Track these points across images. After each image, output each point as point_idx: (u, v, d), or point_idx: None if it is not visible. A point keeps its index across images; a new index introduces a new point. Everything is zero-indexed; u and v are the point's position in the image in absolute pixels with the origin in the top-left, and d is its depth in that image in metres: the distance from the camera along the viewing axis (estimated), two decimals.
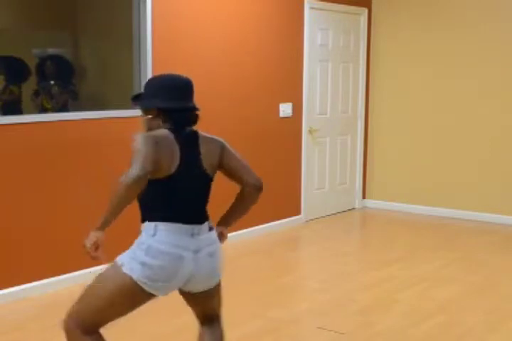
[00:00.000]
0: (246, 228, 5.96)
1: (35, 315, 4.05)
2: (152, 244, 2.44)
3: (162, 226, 2.47)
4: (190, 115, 2.64)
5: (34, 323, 3.91)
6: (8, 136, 4.21)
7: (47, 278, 4.47)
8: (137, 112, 5.08)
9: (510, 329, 3.87)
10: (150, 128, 2.58)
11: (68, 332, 2.52)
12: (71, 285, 4.55)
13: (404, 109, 7.07)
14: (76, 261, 4.61)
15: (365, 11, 7.09)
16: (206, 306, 2.77)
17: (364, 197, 7.44)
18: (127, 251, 2.52)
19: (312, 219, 6.74)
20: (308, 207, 6.68)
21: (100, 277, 2.53)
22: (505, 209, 6.56)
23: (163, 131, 2.52)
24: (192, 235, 2.52)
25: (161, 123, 2.56)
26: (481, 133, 6.62)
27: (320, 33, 6.58)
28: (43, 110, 4.93)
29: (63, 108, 5.06)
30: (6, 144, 4.21)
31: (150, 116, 2.59)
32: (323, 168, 6.83)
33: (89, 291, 2.52)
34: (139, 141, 2.44)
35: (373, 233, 6.47)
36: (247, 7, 5.74)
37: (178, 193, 2.50)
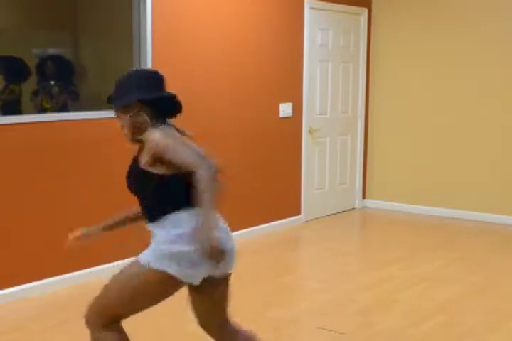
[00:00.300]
0: (246, 228, 5.96)
1: (35, 315, 4.06)
2: (183, 232, 2.41)
3: (194, 211, 2.43)
4: (176, 103, 2.60)
5: (34, 323, 3.91)
6: (8, 136, 4.21)
7: (47, 278, 4.47)
8: None
9: (510, 329, 3.87)
10: (135, 125, 2.51)
11: (90, 325, 2.54)
12: (71, 285, 4.55)
13: (404, 109, 7.07)
14: (76, 261, 4.61)
15: (365, 11, 7.09)
16: (224, 302, 2.68)
17: (364, 197, 7.45)
18: (150, 250, 2.47)
19: (312, 219, 6.74)
20: (308, 207, 6.68)
21: (123, 275, 2.50)
22: (505, 209, 6.56)
23: (166, 127, 2.50)
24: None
25: (146, 117, 2.50)
26: (481, 133, 6.62)
27: (320, 33, 6.58)
28: (42, 110, 4.93)
29: (63, 108, 5.06)
30: (6, 144, 4.21)
31: (131, 114, 2.51)
32: (323, 168, 6.83)
33: (111, 289, 2.49)
34: (164, 138, 2.39)
35: (373, 233, 6.47)
36: (247, 7, 5.74)
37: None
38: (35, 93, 5.03)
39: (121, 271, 2.53)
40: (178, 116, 2.65)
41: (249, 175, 5.95)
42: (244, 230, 5.93)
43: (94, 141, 4.70)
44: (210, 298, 2.65)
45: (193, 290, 2.63)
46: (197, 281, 2.50)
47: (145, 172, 2.47)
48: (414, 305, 4.25)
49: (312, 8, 6.40)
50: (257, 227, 6.09)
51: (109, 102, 2.59)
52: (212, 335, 2.74)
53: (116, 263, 4.75)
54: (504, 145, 6.50)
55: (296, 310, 4.19)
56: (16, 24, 5.03)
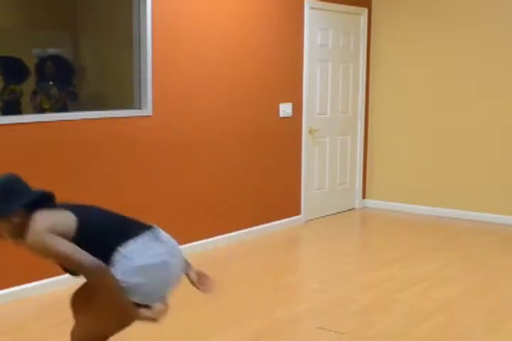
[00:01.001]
0: (246, 228, 5.96)
1: (35, 315, 4.05)
2: (137, 264, 2.50)
3: (131, 246, 2.52)
4: (47, 197, 2.66)
5: (34, 323, 3.91)
6: (8, 136, 4.21)
7: (47, 278, 4.46)
8: (138, 112, 5.09)
9: (510, 329, 3.87)
10: (15, 227, 2.56)
11: None
12: (71, 285, 4.55)
13: (404, 109, 7.07)
14: None
15: (365, 11, 7.09)
16: None
17: (364, 197, 7.44)
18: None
19: (312, 219, 6.74)
20: (308, 207, 6.68)
21: (104, 305, 2.58)
22: (505, 209, 6.56)
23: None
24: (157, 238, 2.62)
25: (21, 217, 2.55)
26: (481, 133, 6.62)
27: (320, 33, 6.58)
28: (41, 110, 4.93)
29: (63, 108, 5.05)
30: (6, 144, 4.21)
31: (8, 220, 2.55)
32: (323, 168, 6.83)
33: (96, 318, 2.61)
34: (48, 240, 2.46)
35: (373, 233, 6.47)
36: (247, 7, 5.74)
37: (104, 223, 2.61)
38: (34, 93, 5.03)
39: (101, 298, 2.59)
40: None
41: (249, 175, 5.95)
42: (244, 230, 5.93)
43: (94, 141, 4.70)
44: None
45: None
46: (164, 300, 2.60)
47: None
48: (414, 305, 4.25)
49: (312, 8, 6.40)
50: (257, 227, 6.09)
51: None
52: None
53: None
54: (504, 145, 6.50)
55: (296, 310, 4.19)
56: (16, 24, 5.03)
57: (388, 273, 4.96)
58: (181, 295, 4.32)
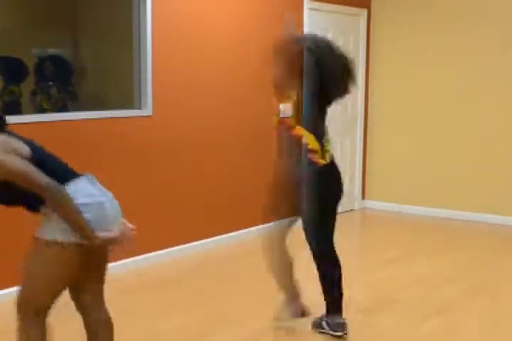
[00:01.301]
0: (246, 228, 5.96)
1: None
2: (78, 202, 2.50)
3: (73, 185, 2.54)
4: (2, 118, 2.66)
5: None
6: None
7: None
8: (138, 112, 5.09)
9: (510, 330, 3.87)
10: None
11: (22, 317, 2.78)
12: None
13: (404, 109, 7.08)
14: None
15: (365, 11, 7.09)
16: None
17: (364, 197, 7.44)
18: (46, 226, 2.54)
19: None
20: None
21: (36, 258, 2.65)
22: (505, 210, 6.56)
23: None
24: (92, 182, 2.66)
25: None
26: (481, 133, 6.62)
27: (319, 34, 6.57)
28: (42, 110, 4.93)
29: (63, 108, 5.06)
30: None
31: None
32: None
33: (32, 276, 2.72)
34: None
35: (373, 233, 6.47)
36: (247, 7, 5.74)
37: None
38: (34, 93, 5.03)
39: (32, 257, 2.66)
40: None
41: (249, 175, 5.95)
42: (245, 230, 5.93)
43: (94, 141, 4.69)
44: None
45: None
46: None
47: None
48: (414, 305, 4.25)
49: (311, 9, 6.40)
50: (257, 227, 6.08)
51: None
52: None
53: (114, 263, 4.75)
54: (505, 146, 6.50)
55: None
56: (16, 24, 5.03)
57: (388, 273, 4.96)
58: (181, 295, 4.32)
